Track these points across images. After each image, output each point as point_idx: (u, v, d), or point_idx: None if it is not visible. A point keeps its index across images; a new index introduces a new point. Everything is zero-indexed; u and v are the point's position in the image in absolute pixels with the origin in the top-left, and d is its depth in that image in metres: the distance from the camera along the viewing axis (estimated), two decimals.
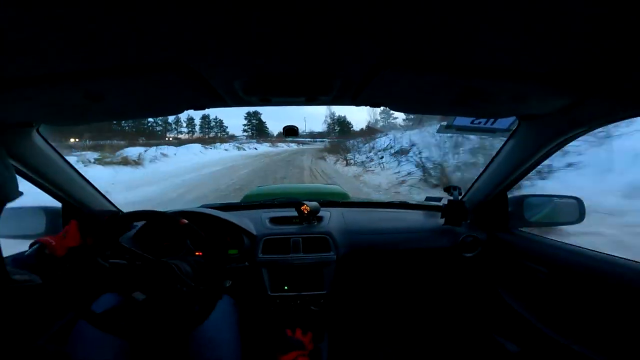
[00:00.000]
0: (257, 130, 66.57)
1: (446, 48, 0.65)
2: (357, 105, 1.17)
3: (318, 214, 1.68)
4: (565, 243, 1.26)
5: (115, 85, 0.81)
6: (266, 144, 44.69)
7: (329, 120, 66.65)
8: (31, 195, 1.03)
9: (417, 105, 1.17)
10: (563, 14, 0.50)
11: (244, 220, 1.61)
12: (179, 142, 30.71)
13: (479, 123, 1.22)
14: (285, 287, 1.50)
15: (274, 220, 1.68)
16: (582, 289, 1.10)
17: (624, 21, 0.51)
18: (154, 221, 1.04)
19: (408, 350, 1.73)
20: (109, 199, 1.57)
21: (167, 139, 46.37)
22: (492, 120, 1.20)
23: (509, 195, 1.51)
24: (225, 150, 30.39)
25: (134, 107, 1.07)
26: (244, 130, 66.65)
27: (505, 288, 1.48)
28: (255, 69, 0.78)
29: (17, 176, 1.05)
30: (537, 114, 1.08)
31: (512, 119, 1.20)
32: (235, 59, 0.71)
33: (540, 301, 1.28)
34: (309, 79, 0.85)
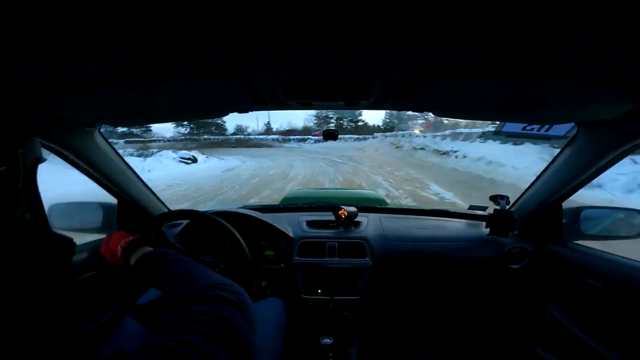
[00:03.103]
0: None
1: (496, 50, 0.61)
2: (399, 109, 1.14)
3: (355, 219, 1.67)
4: (625, 258, 1.17)
5: (169, 88, 0.86)
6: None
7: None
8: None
9: (463, 110, 1.12)
10: (625, 8, 0.45)
11: (281, 222, 1.63)
12: None
13: (532, 129, 1.14)
14: (319, 291, 1.51)
15: (311, 224, 1.69)
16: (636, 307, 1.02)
17: None
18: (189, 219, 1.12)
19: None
20: (160, 198, 1.66)
21: None
22: (546, 126, 1.12)
23: (564, 207, 1.41)
24: None
25: (185, 108, 1.11)
26: None
27: (553, 301, 1.40)
28: (297, 73, 0.79)
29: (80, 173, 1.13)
30: (599, 120, 1.00)
31: (569, 125, 1.11)
32: (278, 62, 0.72)
33: (592, 317, 1.20)
34: (350, 82, 0.84)
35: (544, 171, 1.36)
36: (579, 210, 1.41)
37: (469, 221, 1.74)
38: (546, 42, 0.56)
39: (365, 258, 1.51)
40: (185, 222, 1.59)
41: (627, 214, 1.43)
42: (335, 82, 0.84)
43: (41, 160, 0.50)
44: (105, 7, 0.46)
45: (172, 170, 14.69)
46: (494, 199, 1.52)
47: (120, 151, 1.87)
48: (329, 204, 1.88)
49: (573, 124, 1.10)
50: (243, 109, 1.16)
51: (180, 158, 17.68)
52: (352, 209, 1.65)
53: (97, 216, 1.46)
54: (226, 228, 1.16)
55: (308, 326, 1.54)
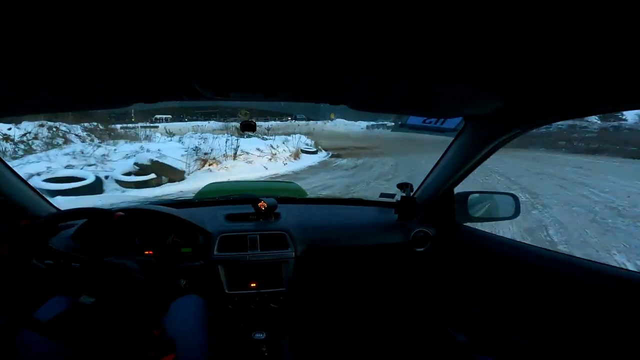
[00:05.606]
0: None
1: (394, 51, 0.68)
2: (316, 102, 1.19)
3: (275, 211, 1.67)
4: (501, 237, 1.35)
5: (58, 78, 0.76)
6: None
7: None
8: None
9: (374, 104, 1.22)
10: (493, 27, 0.56)
11: (197, 217, 1.55)
12: None
13: (430, 122, 1.29)
14: (243, 285, 1.47)
15: (229, 217, 1.64)
16: (515, 280, 1.18)
17: (546, 36, 0.57)
18: (87, 217, 0.99)
19: (366, 343, 1.78)
20: (43, 195, 1.43)
21: None
22: (442, 120, 1.28)
23: (456, 192, 1.61)
24: None
25: (76, 99, 1.01)
26: None
27: (454, 281, 1.55)
28: (214, 63, 0.76)
29: None
30: (479, 115, 1.16)
31: (459, 119, 1.29)
32: (193, 52, 0.69)
33: (482, 293, 1.35)
34: (268, 75, 0.84)
35: (439, 160, 1.53)
36: (466, 195, 1.62)
37: (380, 208, 1.88)
38: (432, 44, 0.64)
39: (288, 249, 1.52)
40: (79, 222, 1.40)
41: (502, 198, 1.67)
42: (253, 74, 0.83)
43: None
44: None
45: None
46: (401, 187, 1.67)
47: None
48: (247, 196, 1.84)
49: (461, 118, 1.28)
50: (151, 99, 1.08)
51: None
52: (272, 200, 1.64)
53: None
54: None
55: (238, 322, 1.50)
